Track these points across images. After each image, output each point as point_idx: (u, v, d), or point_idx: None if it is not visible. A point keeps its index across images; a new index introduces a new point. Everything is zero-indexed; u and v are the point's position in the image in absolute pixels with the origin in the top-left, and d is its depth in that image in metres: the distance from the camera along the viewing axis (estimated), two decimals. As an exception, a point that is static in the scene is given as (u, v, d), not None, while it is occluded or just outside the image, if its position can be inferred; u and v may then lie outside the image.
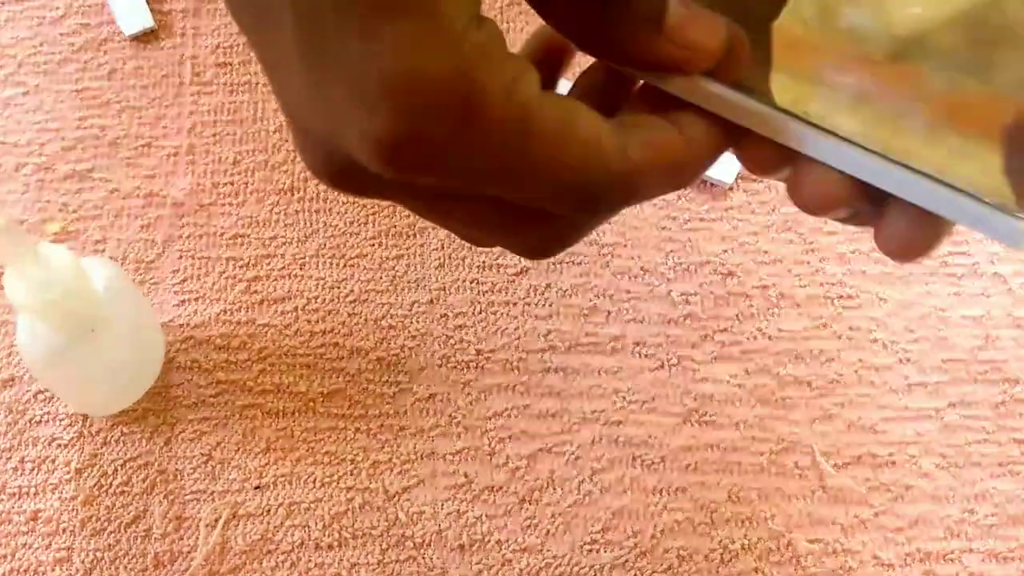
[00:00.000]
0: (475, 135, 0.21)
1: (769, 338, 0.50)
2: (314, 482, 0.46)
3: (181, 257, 0.51)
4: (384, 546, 0.45)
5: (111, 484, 0.45)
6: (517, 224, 0.24)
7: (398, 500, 0.46)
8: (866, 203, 0.26)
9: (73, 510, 0.45)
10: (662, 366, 0.49)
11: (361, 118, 0.20)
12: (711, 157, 0.26)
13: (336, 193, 0.52)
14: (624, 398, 0.48)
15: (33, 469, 0.46)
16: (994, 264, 0.51)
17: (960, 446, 0.48)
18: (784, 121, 0.25)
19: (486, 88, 0.20)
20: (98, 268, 0.42)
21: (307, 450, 0.46)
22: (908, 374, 0.49)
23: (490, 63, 0.20)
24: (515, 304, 0.50)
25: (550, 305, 0.50)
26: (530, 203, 0.23)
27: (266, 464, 0.46)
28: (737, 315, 0.50)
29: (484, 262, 0.51)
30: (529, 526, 0.45)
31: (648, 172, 0.24)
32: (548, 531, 0.45)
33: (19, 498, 0.45)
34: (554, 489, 0.46)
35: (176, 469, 0.46)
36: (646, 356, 0.49)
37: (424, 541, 0.45)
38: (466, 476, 0.46)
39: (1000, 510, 0.46)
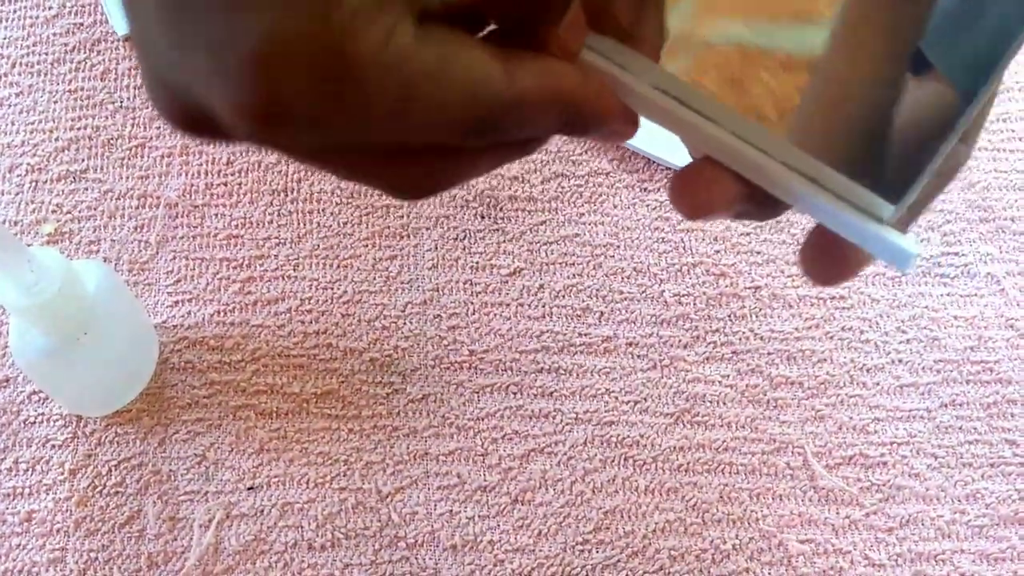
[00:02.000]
0: (348, 96, 0.21)
1: (761, 339, 0.50)
2: (307, 483, 0.46)
3: (175, 258, 0.51)
4: (377, 547, 0.45)
5: (105, 485, 0.46)
6: (399, 164, 0.25)
7: (391, 501, 0.46)
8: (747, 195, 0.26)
9: (67, 511, 0.45)
10: (654, 366, 0.49)
11: (224, 85, 0.21)
12: (612, 102, 0.26)
13: (330, 194, 0.52)
14: (616, 398, 0.48)
15: (27, 470, 0.46)
16: (987, 264, 0.51)
17: (952, 447, 0.48)
18: (655, 101, 0.26)
19: (356, 50, 0.20)
20: (90, 271, 0.43)
21: (300, 451, 0.47)
22: (900, 375, 0.49)
23: (360, 24, 0.20)
24: (508, 305, 0.50)
25: (543, 306, 0.50)
26: (417, 142, 0.23)
27: (259, 465, 0.46)
28: (729, 316, 0.50)
29: (478, 263, 0.51)
30: (521, 526, 0.46)
31: (538, 98, 0.24)
32: (540, 531, 0.46)
33: (13, 499, 0.45)
34: (546, 489, 0.46)
35: (170, 470, 0.46)
36: (638, 356, 0.49)
37: (417, 542, 0.45)
38: (459, 477, 0.46)
39: (991, 511, 0.46)
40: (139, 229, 0.51)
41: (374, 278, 0.50)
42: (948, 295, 0.51)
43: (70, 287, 0.40)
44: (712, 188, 0.27)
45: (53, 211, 0.51)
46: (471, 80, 0.23)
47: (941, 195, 0.52)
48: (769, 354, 0.49)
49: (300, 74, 0.20)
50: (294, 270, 0.51)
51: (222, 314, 0.50)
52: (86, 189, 0.52)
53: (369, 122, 0.22)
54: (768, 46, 0.27)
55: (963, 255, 0.51)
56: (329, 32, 0.20)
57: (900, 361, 0.49)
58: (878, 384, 0.49)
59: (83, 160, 0.53)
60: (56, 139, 0.53)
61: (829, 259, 0.28)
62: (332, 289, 0.50)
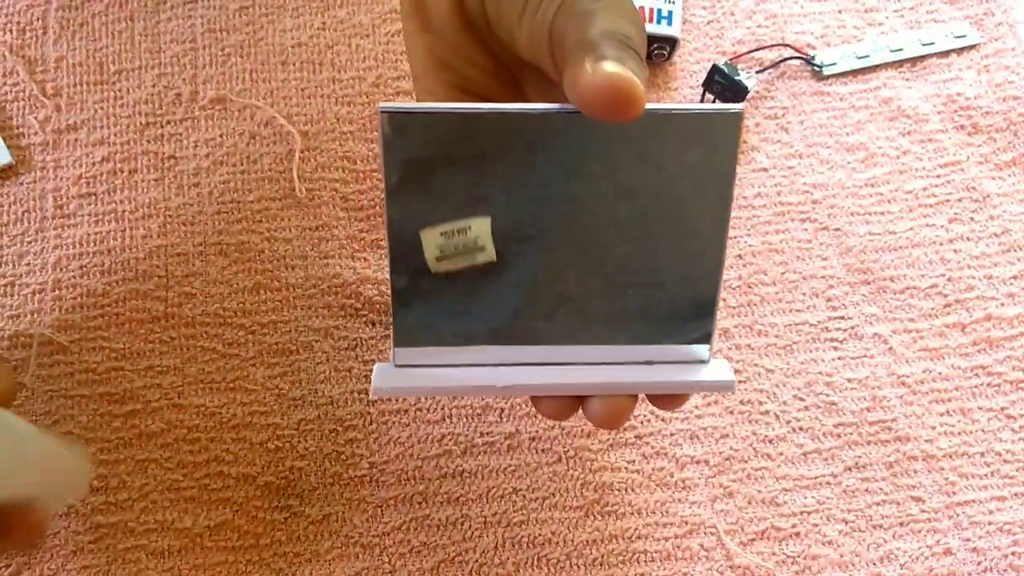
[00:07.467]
0: None
1: (662, 419, 0.49)
2: (206, 623, 0.43)
3: (52, 398, 0.48)
4: None
5: (-17, 651, 0.42)
6: None
7: (297, 632, 0.43)
8: None
9: None
10: (559, 459, 0.48)
11: None
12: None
13: (212, 315, 0.51)
14: (524, 496, 0.47)
15: None
16: (872, 325, 0.52)
17: (861, 509, 0.48)
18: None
19: None
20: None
21: (197, 589, 0.44)
22: (802, 443, 0.49)
23: None
24: (407, 411, 0.49)
25: (442, 408, 0.49)
26: None
27: (153, 610, 0.44)
28: (630, 400, 0.50)
29: (372, 371, 0.50)
30: (437, 643, 0.44)
31: None
32: (457, 646, 0.44)
33: None
34: (460, 601, 0.45)
35: (55, 626, 0.43)
36: (543, 451, 0.48)
37: (327, 673, 0.43)
38: (367, 598, 0.44)
39: (907, 570, 0.46)
40: (12, 371, 0.49)
41: (264, 398, 0.49)
42: (840, 359, 0.51)
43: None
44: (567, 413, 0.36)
45: (-83, 361, 0.49)
46: None
47: (822, 263, 0.53)
48: (672, 435, 0.49)
49: None
50: (179, 398, 0.49)
51: (104, 452, 0.47)
52: (-48, 334, 0.49)
53: None
54: None
55: (849, 318, 0.52)
56: None
57: (801, 429, 0.50)
58: (782, 454, 0.49)
59: (-52, 304, 0.50)
60: (-82, 285, 0.51)
61: (669, 399, 0.37)
62: (220, 414, 0.48)
